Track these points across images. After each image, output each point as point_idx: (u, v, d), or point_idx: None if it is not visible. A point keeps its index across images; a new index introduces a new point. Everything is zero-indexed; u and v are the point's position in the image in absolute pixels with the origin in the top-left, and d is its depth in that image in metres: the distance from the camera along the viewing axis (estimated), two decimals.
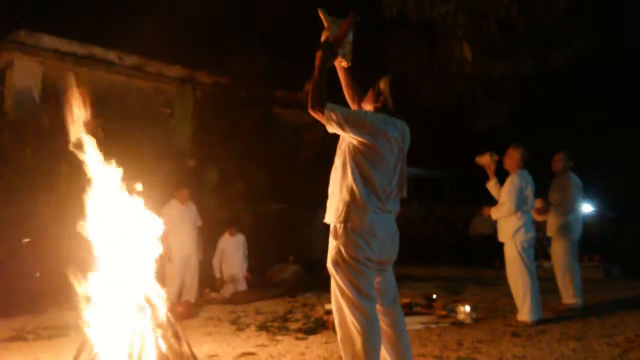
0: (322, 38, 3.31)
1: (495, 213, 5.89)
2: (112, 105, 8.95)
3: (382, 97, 3.31)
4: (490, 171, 6.05)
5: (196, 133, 9.73)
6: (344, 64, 3.47)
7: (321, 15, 3.36)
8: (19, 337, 5.74)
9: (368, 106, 3.40)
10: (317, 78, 3.14)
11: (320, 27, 3.38)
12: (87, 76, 9.68)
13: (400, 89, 3.34)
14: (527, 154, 5.92)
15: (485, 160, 6.00)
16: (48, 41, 9.21)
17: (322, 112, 3.06)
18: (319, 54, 3.22)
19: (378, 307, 3.22)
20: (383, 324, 3.23)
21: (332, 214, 3.20)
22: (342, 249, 3.11)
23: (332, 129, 3.14)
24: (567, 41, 9.04)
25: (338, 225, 3.16)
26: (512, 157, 5.88)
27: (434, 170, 14.81)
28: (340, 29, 3.27)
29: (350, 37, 3.37)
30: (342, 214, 3.12)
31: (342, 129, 3.09)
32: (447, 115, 11.84)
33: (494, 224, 6.13)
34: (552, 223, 6.73)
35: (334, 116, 3.05)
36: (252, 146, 10.31)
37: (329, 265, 3.19)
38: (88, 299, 4.14)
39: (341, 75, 3.59)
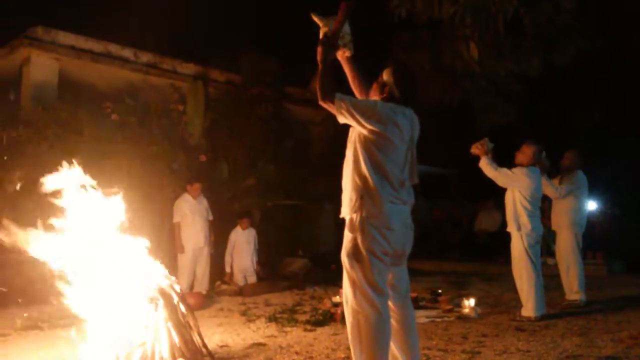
0: (321, 35, 3.33)
1: (485, 166, 5.77)
2: (127, 100, 9.10)
3: (387, 88, 3.28)
4: (483, 155, 5.84)
5: (208, 129, 9.85)
6: (348, 53, 3.47)
7: (315, 18, 3.40)
8: (34, 326, 5.78)
9: (375, 97, 3.36)
10: (322, 71, 3.15)
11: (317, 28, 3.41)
12: (103, 73, 9.82)
13: (405, 78, 3.32)
14: (540, 152, 5.94)
15: (480, 149, 5.84)
16: (64, 38, 9.25)
17: (332, 102, 3.06)
18: (319, 49, 3.23)
19: (389, 302, 3.16)
20: (393, 319, 3.15)
21: (347, 206, 3.15)
22: (359, 242, 3.04)
23: (342, 118, 3.12)
24: (573, 41, 9.07)
25: (354, 217, 3.09)
26: (525, 153, 5.88)
27: (441, 167, 14.85)
28: (335, 20, 3.29)
29: (347, 27, 3.39)
30: (357, 204, 3.08)
31: (353, 117, 3.07)
32: (454, 113, 11.89)
33: (499, 221, 6.17)
34: (556, 218, 6.78)
35: (343, 105, 3.06)
36: (262, 142, 10.40)
37: (343, 257, 3.12)
38: (102, 291, 4.25)
39: (347, 68, 3.57)
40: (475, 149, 5.88)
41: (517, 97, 10.76)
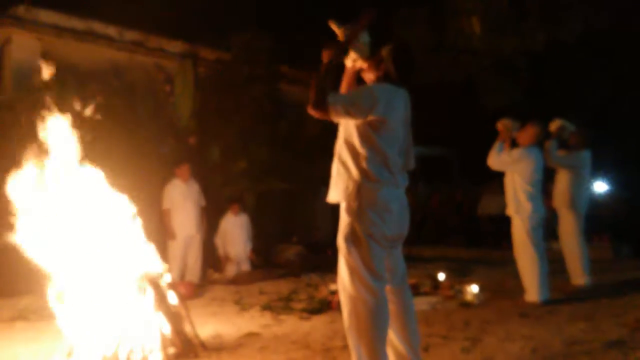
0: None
1: (493, 151, 5.81)
2: (112, 81, 8.86)
3: (383, 65, 3.18)
4: (502, 138, 5.86)
5: (198, 110, 9.63)
6: (363, 64, 3.29)
7: (333, 26, 3.22)
8: (21, 316, 5.78)
9: (370, 75, 3.27)
10: (321, 78, 2.97)
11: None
12: (87, 52, 9.58)
13: (404, 57, 3.21)
14: (542, 133, 5.87)
15: (505, 131, 5.83)
16: (47, 16, 9.09)
17: (326, 109, 2.92)
18: (326, 52, 3.08)
19: (386, 286, 3.12)
20: (390, 303, 3.13)
21: (342, 192, 3.07)
22: (357, 226, 2.99)
23: (338, 118, 3.02)
24: (578, 17, 8.90)
25: (352, 203, 3.03)
26: (527, 132, 5.80)
27: (442, 148, 14.72)
28: (354, 27, 3.13)
29: (366, 37, 3.23)
30: (353, 192, 3.01)
31: (350, 115, 2.97)
32: (456, 93, 11.72)
33: (503, 204, 6.05)
34: (557, 197, 6.67)
35: (340, 109, 2.94)
36: (255, 124, 10.20)
37: (340, 241, 3.06)
38: (90, 281, 4.12)
39: (349, 79, 3.43)
40: (501, 126, 5.81)
41: (521, 75, 10.58)
